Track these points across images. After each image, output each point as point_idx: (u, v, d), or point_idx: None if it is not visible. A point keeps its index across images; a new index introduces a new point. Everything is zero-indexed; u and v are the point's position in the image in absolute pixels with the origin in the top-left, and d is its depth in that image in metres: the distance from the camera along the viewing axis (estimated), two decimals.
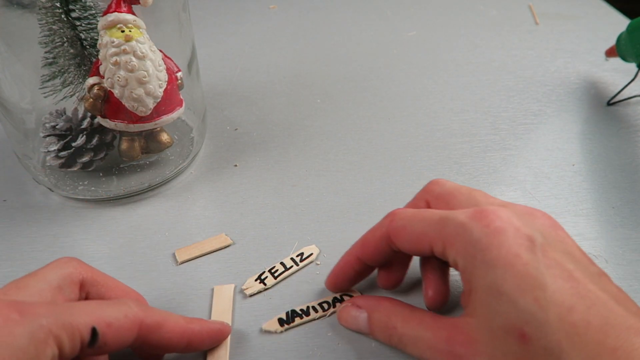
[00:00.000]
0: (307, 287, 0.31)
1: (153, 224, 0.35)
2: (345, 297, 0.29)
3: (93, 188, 0.37)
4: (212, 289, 0.30)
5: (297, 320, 0.29)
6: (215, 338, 0.26)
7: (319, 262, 0.32)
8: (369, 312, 0.27)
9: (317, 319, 0.29)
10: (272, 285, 0.31)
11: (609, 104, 0.47)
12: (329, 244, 0.34)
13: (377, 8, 0.66)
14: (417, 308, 0.26)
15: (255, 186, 0.39)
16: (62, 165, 0.36)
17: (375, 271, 0.30)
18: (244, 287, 0.31)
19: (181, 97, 0.37)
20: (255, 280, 0.31)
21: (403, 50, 0.57)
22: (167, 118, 0.35)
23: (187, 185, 0.39)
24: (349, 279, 0.29)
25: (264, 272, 0.31)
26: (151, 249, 0.33)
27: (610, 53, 0.49)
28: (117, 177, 0.37)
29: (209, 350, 0.27)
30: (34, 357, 0.18)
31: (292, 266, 0.32)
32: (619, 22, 0.62)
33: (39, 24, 0.32)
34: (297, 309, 0.29)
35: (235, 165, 0.41)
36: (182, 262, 0.32)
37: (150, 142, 0.37)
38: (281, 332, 0.28)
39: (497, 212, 0.23)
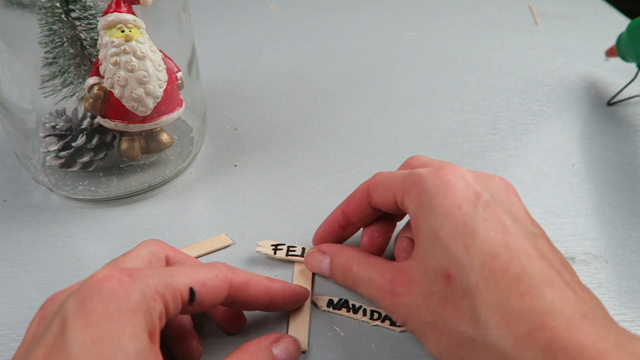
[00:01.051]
0: None
1: (153, 224, 0.35)
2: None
3: (93, 188, 0.37)
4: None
5: (343, 311, 0.29)
6: (296, 298, 0.28)
7: None
8: (332, 257, 0.30)
9: (360, 321, 0.29)
10: (279, 259, 0.32)
11: (609, 104, 0.47)
12: None
13: (377, 8, 0.66)
14: (373, 255, 0.29)
15: (255, 186, 0.39)
16: (62, 165, 0.36)
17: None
18: (259, 243, 0.32)
19: (181, 97, 0.37)
20: (272, 245, 0.32)
21: (403, 50, 0.57)
22: (167, 118, 0.35)
23: (187, 185, 0.39)
24: (334, 233, 0.31)
25: (284, 245, 0.33)
26: None
27: (610, 53, 0.49)
28: (117, 177, 0.37)
29: (291, 314, 0.29)
30: (147, 311, 0.20)
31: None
32: (619, 22, 0.62)
33: (39, 24, 0.32)
34: (350, 302, 0.29)
35: (235, 165, 0.41)
36: None
37: (150, 142, 0.37)
38: (324, 310, 0.29)
39: (455, 169, 0.25)
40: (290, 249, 0.32)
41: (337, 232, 0.31)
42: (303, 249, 0.32)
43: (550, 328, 0.20)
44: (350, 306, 0.29)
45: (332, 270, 0.29)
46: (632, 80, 0.46)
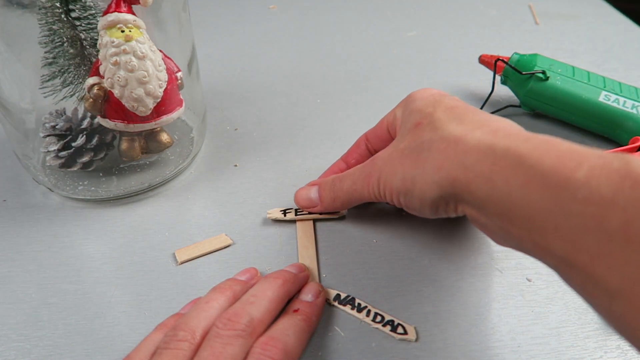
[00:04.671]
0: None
1: (153, 224, 0.35)
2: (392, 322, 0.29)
3: (93, 188, 0.37)
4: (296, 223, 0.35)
5: (347, 308, 0.29)
6: (301, 272, 0.31)
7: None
8: (320, 183, 0.34)
9: (361, 320, 0.29)
10: (290, 220, 0.35)
11: None
12: (329, 244, 0.34)
13: (377, 8, 0.66)
14: None
15: (255, 186, 0.39)
16: (62, 165, 0.36)
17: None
18: (268, 211, 0.35)
19: (181, 97, 0.37)
20: (281, 211, 0.35)
21: (403, 50, 0.57)
22: (167, 118, 0.35)
23: (187, 185, 0.39)
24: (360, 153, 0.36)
25: (291, 208, 0.35)
26: (151, 249, 0.34)
27: (487, 63, 0.47)
28: (117, 177, 0.37)
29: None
30: None
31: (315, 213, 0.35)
32: (619, 22, 0.62)
33: (39, 24, 0.32)
34: (356, 301, 0.30)
35: (235, 165, 0.41)
36: (182, 262, 0.32)
37: (150, 142, 0.37)
38: (331, 305, 0.30)
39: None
40: (298, 210, 0.35)
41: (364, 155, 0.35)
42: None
43: (493, 123, 0.26)
44: (356, 304, 0.29)
45: (321, 191, 0.34)
46: None
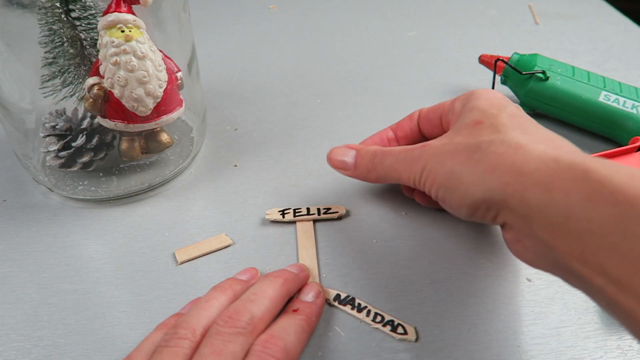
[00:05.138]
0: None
1: (153, 224, 0.35)
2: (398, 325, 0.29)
3: (93, 188, 0.37)
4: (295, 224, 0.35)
5: (347, 308, 0.29)
6: (301, 272, 0.31)
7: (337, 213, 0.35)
8: (359, 149, 0.34)
9: (361, 320, 0.29)
10: (288, 221, 0.35)
11: None
12: (329, 244, 0.34)
13: (377, 8, 0.66)
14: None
15: (255, 186, 0.39)
16: (62, 165, 0.36)
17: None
18: (267, 212, 0.35)
19: (181, 97, 0.37)
20: (279, 211, 0.35)
21: (403, 50, 0.57)
22: (167, 118, 0.35)
23: (187, 185, 0.39)
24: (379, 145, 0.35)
25: (289, 209, 0.35)
26: (151, 249, 0.34)
27: (486, 63, 0.48)
28: (117, 177, 0.37)
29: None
30: None
31: (314, 213, 0.35)
32: (619, 22, 0.62)
33: (39, 24, 0.32)
34: (357, 301, 0.30)
35: (235, 165, 0.41)
36: (182, 262, 0.32)
37: (150, 142, 0.37)
38: (331, 305, 0.30)
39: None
40: (297, 211, 0.35)
41: (381, 145, 0.35)
42: (307, 208, 0.35)
43: (557, 141, 0.26)
44: (356, 305, 0.29)
45: (359, 158, 0.33)
46: None
